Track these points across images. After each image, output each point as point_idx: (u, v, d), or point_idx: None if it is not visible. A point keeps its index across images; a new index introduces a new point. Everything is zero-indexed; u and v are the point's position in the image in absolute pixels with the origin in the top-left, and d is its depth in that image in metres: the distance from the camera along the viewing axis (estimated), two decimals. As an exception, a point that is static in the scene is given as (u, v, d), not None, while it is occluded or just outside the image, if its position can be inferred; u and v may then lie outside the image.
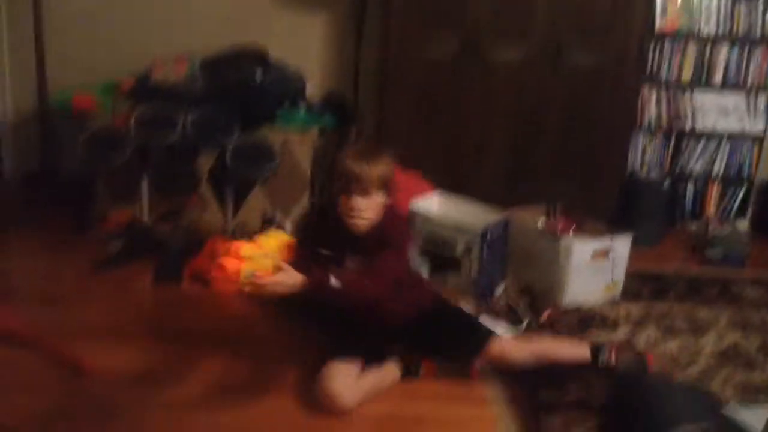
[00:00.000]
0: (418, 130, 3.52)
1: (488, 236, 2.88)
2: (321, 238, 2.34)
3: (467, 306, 2.77)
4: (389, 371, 2.37)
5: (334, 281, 2.11)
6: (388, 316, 2.35)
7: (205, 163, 3.32)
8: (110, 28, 3.71)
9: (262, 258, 2.06)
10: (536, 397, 2.28)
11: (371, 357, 2.34)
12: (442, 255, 2.98)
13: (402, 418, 2.25)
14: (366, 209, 2.22)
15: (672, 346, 2.63)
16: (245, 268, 2.01)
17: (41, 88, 3.70)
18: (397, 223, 2.35)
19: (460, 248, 2.92)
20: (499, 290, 3.01)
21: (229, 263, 2.02)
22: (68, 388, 2.20)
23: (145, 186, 3.31)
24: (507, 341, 2.46)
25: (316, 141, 3.41)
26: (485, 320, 2.67)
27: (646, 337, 2.69)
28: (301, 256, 2.25)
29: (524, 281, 3.01)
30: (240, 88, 3.25)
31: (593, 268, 2.89)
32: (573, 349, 2.43)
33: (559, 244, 2.87)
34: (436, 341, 2.41)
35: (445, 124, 3.55)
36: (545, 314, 2.81)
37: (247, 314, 2.73)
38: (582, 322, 2.79)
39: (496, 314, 2.80)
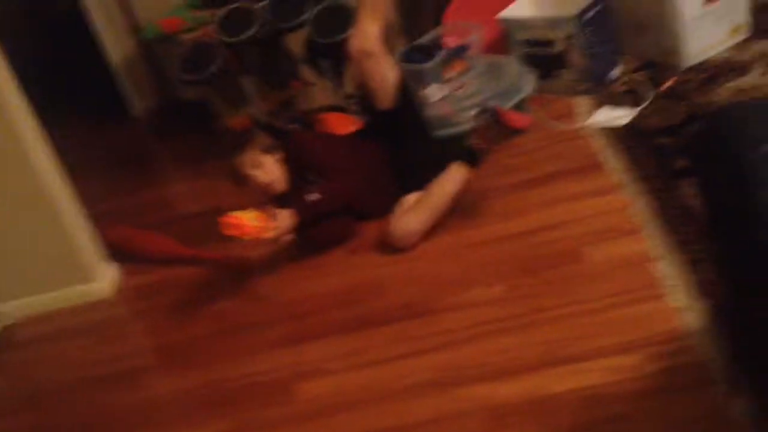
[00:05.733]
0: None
1: (585, 17, 2.67)
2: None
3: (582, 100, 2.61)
4: (448, 179, 2.35)
5: (311, 197, 2.37)
6: (381, 182, 2.50)
7: (296, 45, 3.34)
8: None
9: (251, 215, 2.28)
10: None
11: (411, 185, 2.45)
12: (546, 57, 2.81)
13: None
14: (264, 177, 2.48)
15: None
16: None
17: (133, 26, 3.86)
18: (303, 150, 2.55)
19: (560, 42, 2.74)
20: (615, 73, 2.81)
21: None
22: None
23: (249, 86, 3.39)
24: None
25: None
26: (606, 110, 2.52)
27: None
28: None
29: (642, 56, 2.78)
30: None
31: (711, 13, 2.60)
32: None
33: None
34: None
35: None
36: (666, 84, 2.59)
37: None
38: (709, 78, 2.54)
39: (615, 101, 2.63)
